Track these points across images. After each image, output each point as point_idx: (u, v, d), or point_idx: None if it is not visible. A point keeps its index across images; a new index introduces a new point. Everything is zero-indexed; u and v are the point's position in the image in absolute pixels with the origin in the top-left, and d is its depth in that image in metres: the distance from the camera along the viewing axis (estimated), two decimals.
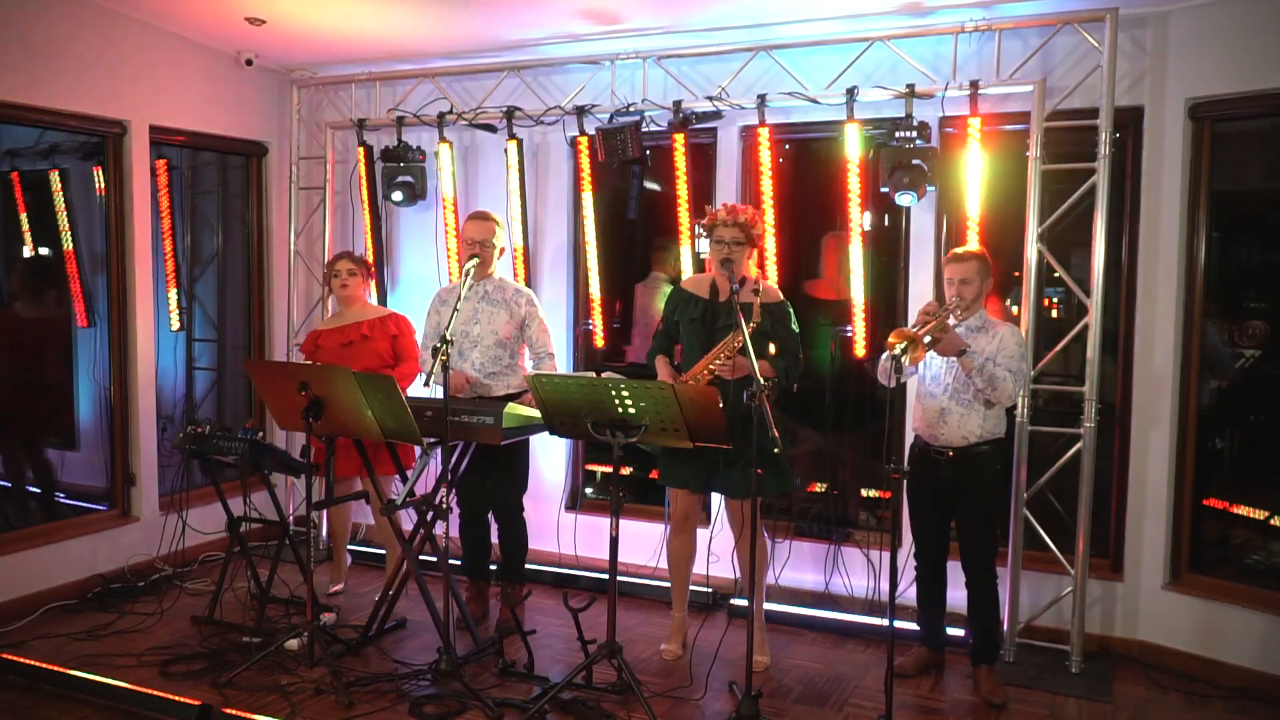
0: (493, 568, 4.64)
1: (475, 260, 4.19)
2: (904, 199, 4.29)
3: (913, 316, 4.39)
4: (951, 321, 3.71)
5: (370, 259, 5.57)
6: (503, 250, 4.50)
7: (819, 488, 5.33)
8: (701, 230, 4.02)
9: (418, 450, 4.35)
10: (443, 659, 3.82)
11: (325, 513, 5.22)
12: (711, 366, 3.82)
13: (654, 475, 4.42)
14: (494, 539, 4.59)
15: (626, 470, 5.54)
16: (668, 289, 5.16)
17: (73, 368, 5.89)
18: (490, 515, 4.52)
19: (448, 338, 3.69)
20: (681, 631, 4.29)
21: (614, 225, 5.49)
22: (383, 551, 5.15)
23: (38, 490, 5.56)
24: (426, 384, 4.26)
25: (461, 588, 4.62)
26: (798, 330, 4.01)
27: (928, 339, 3.54)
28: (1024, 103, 4.26)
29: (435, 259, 5.54)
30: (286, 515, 5.02)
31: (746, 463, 3.63)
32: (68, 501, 5.55)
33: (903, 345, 3.41)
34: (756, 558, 3.67)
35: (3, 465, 5.58)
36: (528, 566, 4.68)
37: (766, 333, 3.88)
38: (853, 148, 4.47)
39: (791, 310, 4.03)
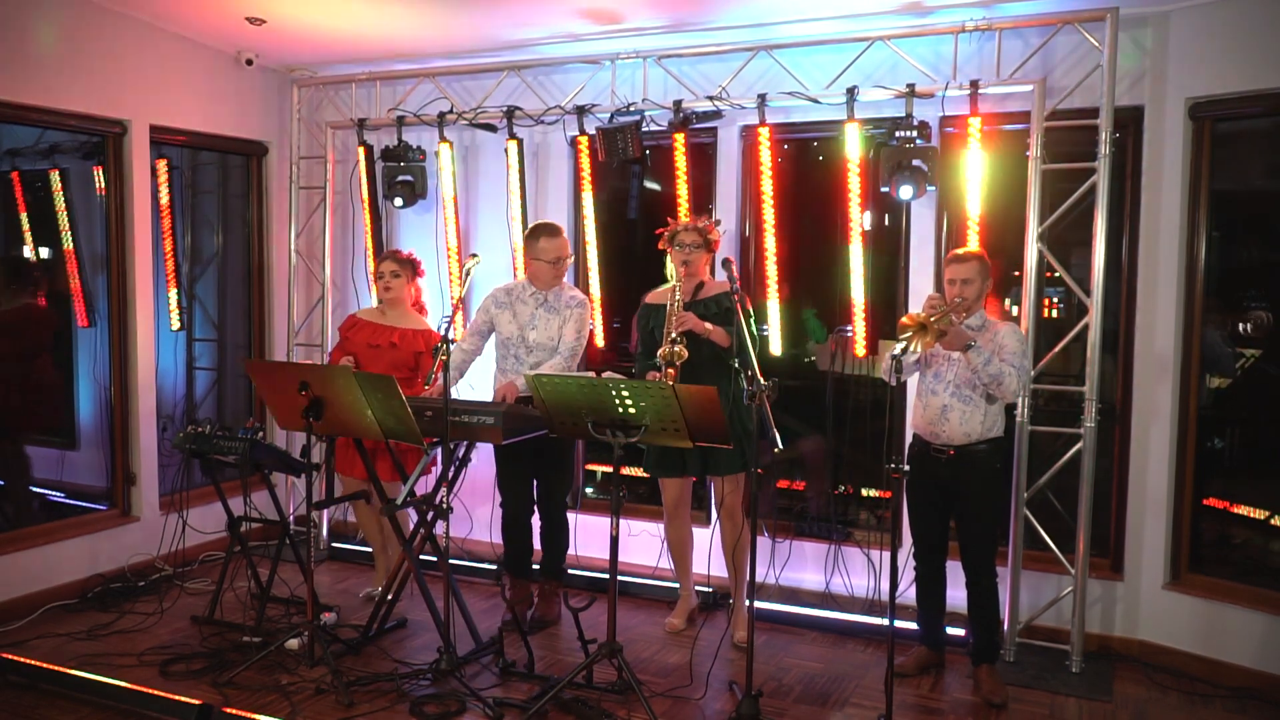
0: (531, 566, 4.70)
1: (475, 260, 4.18)
2: (904, 191, 4.28)
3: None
4: (955, 319, 3.71)
5: (369, 257, 5.58)
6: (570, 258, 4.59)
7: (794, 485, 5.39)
8: (665, 240, 4.34)
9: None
10: (443, 659, 3.82)
11: (355, 518, 5.17)
12: (672, 334, 4.07)
13: (641, 473, 4.54)
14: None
15: (639, 473, 5.56)
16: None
17: (73, 367, 5.89)
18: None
19: (448, 338, 3.72)
20: (687, 608, 4.55)
21: (614, 225, 5.50)
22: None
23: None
24: (427, 384, 4.27)
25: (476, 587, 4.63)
26: (750, 317, 4.15)
27: (938, 328, 3.54)
28: (1024, 102, 4.26)
29: (435, 258, 5.54)
30: (286, 515, 5.01)
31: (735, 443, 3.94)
32: (68, 501, 5.55)
33: (911, 332, 3.43)
34: (741, 539, 4.20)
35: None
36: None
37: (720, 316, 4.19)
38: (853, 147, 4.47)
39: (747, 300, 4.19)
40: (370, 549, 5.06)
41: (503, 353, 4.51)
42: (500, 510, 4.60)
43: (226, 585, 4.51)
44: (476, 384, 4.98)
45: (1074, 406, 4.30)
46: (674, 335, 4.07)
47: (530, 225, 4.65)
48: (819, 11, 4.46)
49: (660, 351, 4.08)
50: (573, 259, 4.62)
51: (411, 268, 4.82)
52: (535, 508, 4.57)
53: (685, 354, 4.05)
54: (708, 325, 4.13)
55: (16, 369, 5.33)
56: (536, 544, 4.62)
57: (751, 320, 4.11)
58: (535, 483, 4.52)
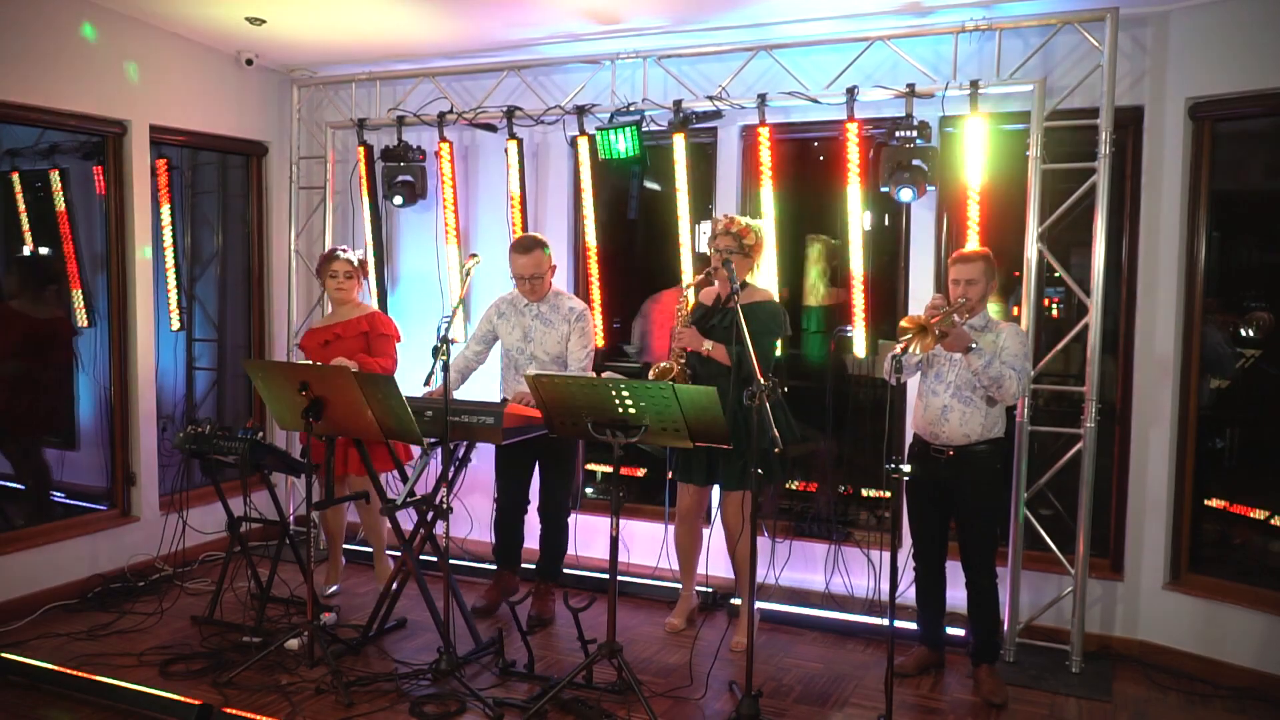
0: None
1: (475, 260, 4.18)
2: (904, 194, 4.29)
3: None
4: (957, 319, 3.72)
5: (369, 257, 5.58)
6: (554, 268, 4.51)
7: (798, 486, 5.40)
8: (704, 230, 4.32)
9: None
10: (443, 659, 3.82)
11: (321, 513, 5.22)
12: (674, 347, 4.14)
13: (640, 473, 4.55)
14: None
15: (641, 472, 5.59)
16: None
17: (73, 368, 5.89)
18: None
19: (448, 338, 3.72)
20: (688, 608, 4.54)
21: (614, 225, 5.49)
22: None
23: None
24: (427, 383, 4.27)
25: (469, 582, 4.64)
26: (777, 328, 4.17)
27: (938, 330, 3.54)
28: (1024, 102, 4.26)
29: (435, 258, 5.54)
30: (286, 515, 5.01)
31: (743, 458, 3.92)
32: (68, 501, 5.54)
33: (910, 334, 3.44)
34: (748, 548, 3.98)
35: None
36: (527, 566, 4.71)
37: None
38: (853, 147, 4.47)
39: (773, 310, 4.18)
40: (370, 548, 5.08)
41: (505, 363, 4.55)
42: (495, 504, 4.64)
43: (226, 585, 4.51)
44: (477, 392, 4.97)
45: (1074, 406, 4.30)
46: (677, 351, 4.10)
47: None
48: (819, 11, 4.46)
49: (661, 367, 4.13)
50: (555, 268, 4.55)
51: (361, 269, 4.83)
52: (529, 506, 4.61)
53: (681, 370, 4.05)
54: (707, 345, 4.10)
55: (33, 376, 5.37)
56: (530, 541, 4.66)
57: (770, 316, 4.14)
58: (538, 483, 4.54)
